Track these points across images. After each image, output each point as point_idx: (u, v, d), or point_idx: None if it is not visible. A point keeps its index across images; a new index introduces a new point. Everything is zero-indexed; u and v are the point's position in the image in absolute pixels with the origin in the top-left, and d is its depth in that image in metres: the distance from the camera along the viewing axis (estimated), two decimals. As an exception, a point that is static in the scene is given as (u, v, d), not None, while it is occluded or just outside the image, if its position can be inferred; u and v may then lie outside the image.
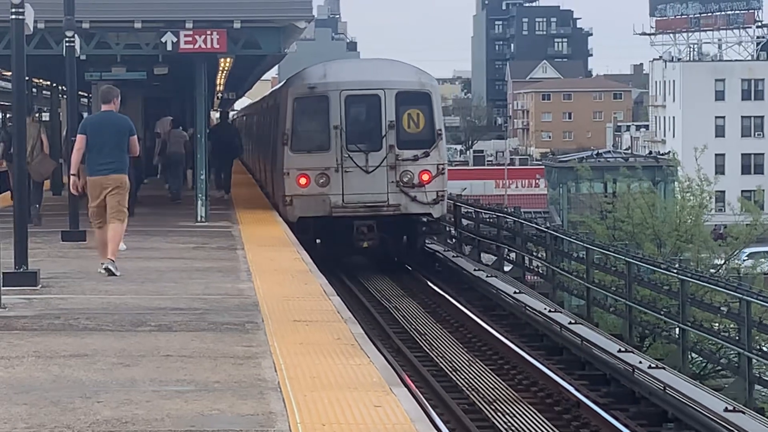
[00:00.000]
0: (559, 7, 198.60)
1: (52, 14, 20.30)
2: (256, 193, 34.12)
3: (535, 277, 27.56)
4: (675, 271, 20.63)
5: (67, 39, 20.25)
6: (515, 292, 23.03)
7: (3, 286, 12.78)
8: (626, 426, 14.53)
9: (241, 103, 77.54)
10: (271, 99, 33.32)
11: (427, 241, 29.51)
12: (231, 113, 66.50)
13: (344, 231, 26.31)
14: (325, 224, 26.44)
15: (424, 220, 26.98)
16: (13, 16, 14.17)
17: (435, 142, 26.54)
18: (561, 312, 21.35)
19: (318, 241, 26.59)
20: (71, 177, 15.68)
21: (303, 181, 26.34)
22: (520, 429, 15.08)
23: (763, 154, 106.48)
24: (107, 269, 15.13)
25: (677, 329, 19.18)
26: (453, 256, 28.87)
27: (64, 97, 32.10)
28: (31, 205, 23.87)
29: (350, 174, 26.26)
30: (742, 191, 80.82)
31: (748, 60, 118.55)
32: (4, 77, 37.65)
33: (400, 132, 26.41)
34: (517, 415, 15.61)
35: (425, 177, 26.44)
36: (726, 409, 14.13)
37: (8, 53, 15.43)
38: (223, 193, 31.85)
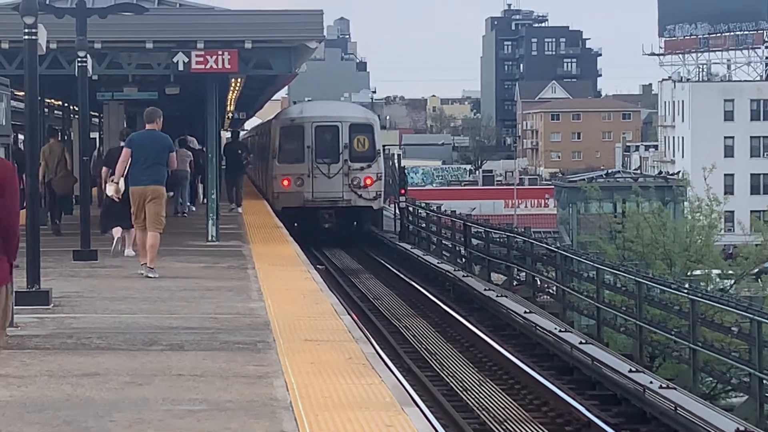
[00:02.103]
0: (568, 27, 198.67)
1: (64, 34, 20.33)
2: (265, 211, 34.23)
3: (546, 297, 27.55)
4: (685, 291, 20.57)
5: (79, 59, 20.33)
6: (526, 312, 23.03)
7: (15, 306, 12.81)
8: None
9: (250, 123, 77.54)
10: (265, 127, 46.28)
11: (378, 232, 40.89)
12: (241, 133, 66.68)
13: (313, 216, 38.15)
14: (300, 212, 37.79)
15: (367, 210, 38.70)
16: (26, 37, 14.27)
17: (375, 158, 38.27)
18: (571, 332, 21.32)
19: (296, 224, 35.78)
20: (115, 184, 17.63)
21: (286, 182, 37.88)
22: (530, 449, 15.08)
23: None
24: (144, 276, 16.86)
25: (688, 349, 19.13)
26: (463, 276, 29.05)
27: (76, 116, 32.21)
28: (55, 217, 24.31)
29: (318, 178, 37.76)
30: (752, 211, 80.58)
31: (757, 80, 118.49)
32: (17, 97, 37.77)
33: (351, 151, 37.91)
34: (528, 435, 15.59)
35: (368, 181, 37.99)
36: (738, 430, 14.09)
37: (21, 73, 15.50)
38: (234, 206, 32.89)
